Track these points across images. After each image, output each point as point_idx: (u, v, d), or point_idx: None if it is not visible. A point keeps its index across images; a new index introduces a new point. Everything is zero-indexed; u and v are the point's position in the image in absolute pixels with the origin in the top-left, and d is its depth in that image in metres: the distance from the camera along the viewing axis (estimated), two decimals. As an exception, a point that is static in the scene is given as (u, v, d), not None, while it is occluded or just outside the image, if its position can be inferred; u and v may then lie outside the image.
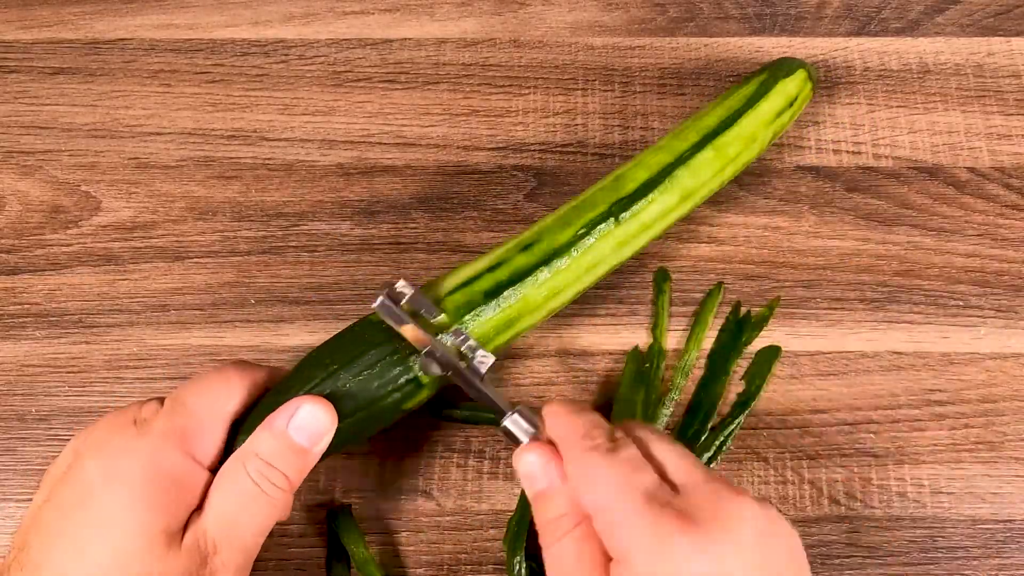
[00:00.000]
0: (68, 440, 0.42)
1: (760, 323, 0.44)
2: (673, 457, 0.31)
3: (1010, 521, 0.40)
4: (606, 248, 0.40)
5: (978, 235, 0.47)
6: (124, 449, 0.32)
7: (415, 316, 0.36)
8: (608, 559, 0.30)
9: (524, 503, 0.40)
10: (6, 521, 0.41)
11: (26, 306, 0.46)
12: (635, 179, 0.41)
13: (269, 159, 0.49)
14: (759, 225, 0.47)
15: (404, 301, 0.36)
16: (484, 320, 0.37)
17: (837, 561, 0.39)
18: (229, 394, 0.34)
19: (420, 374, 0.36)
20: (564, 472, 0.32)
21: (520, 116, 0.50)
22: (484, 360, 0.35)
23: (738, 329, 0.44)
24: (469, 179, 0.49)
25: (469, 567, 0.40)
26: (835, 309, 0.45)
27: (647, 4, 0.54)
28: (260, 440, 0.33)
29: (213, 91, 0.52)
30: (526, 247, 0.39)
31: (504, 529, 0.40)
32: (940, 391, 0.43)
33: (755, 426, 0.42)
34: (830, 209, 0.47)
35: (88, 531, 0.30)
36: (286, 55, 0.53)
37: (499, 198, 0.48)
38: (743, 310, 0.44)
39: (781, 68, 0.46)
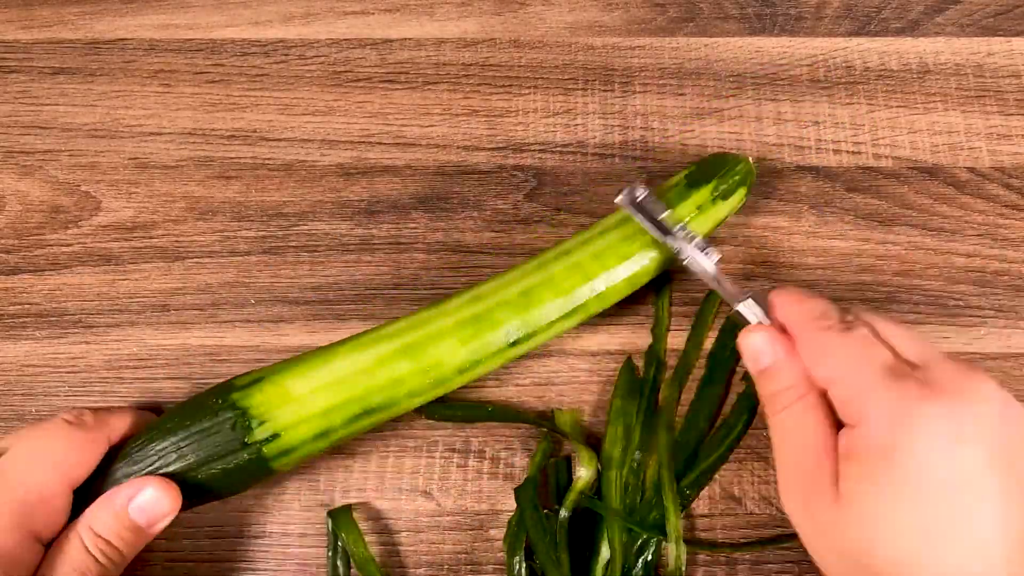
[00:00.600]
0: (68, 440, 0.43)
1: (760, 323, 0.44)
2: (907, 339, 0.32)
3: (1010, 521, 0.40)
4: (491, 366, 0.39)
5: (978, 235, 0.47)
6: None
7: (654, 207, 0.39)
8: (834, 427, 0.31)
9: (525, 503, 0.40)
10: (6, 521, 0.41)
11: (26, 306, 0.46)
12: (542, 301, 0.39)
13: (269, 159, 0.49)
14: (759, 225, 0.47)
15: (639, 199, 0.39)
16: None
17: (837, 561, 0.39)
18: (72, 460, 0.33)
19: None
20: (791, 350, 0.33)
21: (520, 116, 0.50)
22: (711, 253, 0.39)
23: (732, 328, 0.44)
24: (469, 179, 0.49)
25: (469, 567, 0.40)
26: (835, 309, 0.45)
27: (647, 4, 0.54)
28: (98, 516, 0.32)
29: (213, 91, 0.52)
30: (404, 350, 0.37)
31: (504, 529, 0.40)
32: (940, 391, 0.43)
33: (755, 426, 0.42)
34: (830, 209, 0.47)
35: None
36: (286, 55, 0.53)
37: (499, 198, 0.48)
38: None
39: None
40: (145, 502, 0.33)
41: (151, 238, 0.47)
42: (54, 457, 0.33)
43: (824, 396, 0.32)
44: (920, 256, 0.46)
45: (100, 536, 0.32)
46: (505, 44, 0.53)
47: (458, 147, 0.50)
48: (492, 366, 0.39)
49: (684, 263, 0.39)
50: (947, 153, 0.49)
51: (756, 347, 0.35)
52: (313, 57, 0.53)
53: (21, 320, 0.45)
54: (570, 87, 0.51)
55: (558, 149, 0.49)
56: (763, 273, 0.46)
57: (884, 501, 0.28)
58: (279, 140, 0.50)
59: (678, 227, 0.39)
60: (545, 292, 0.39)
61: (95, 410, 0.36)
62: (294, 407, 0.36)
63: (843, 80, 0.51)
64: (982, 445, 0.28)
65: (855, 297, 0.45)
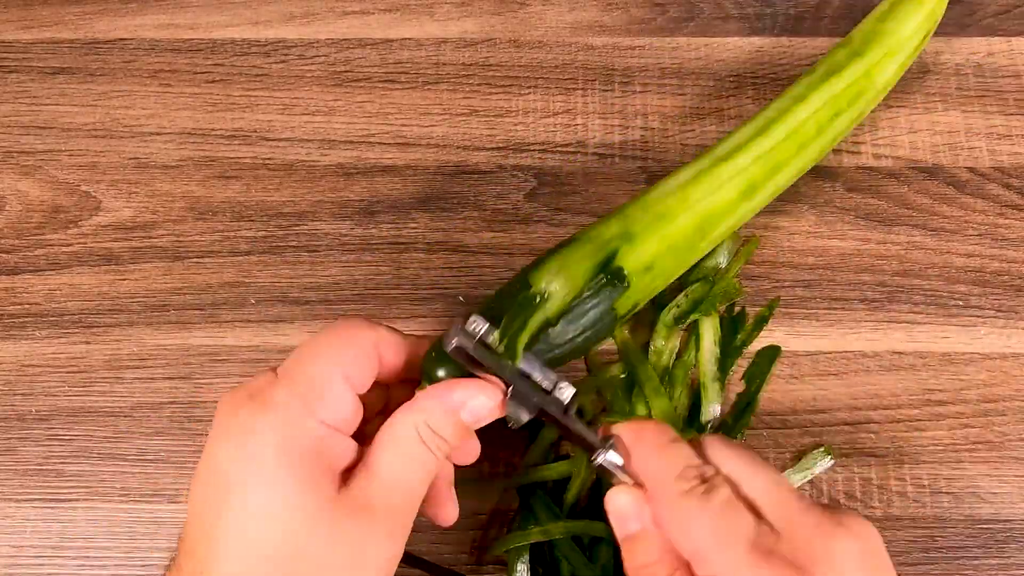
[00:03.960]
0: (68, 440, 0.43)
1: (760, 323, 0.44)
2: (766, 490, 0.30)
3: (1010, 521, 0.40)
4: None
5: (978, 235, 0.47)
6: (248, 430, 0.30)
7: (488, 354, 0.32)
8: None
9: (525, 503, 0.40)
10: (5, 521, 0.41)
11: (26, 306, 0.46)
12: None
13: (269, 159, 0.49)
14: (759, 225, 0.47)
15: (478, 339, 0.32)
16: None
17: (837, 561, 0.39)
18: (348, 355, 0.32)
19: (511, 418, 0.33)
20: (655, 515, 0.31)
21: (520, 116, 0.50)
22: (563, 390, 0.32)
23: (732, 328, 0.44)
24: (469, 179, 0.49)
25: (469, 567, 0.40)
26: (835, 309, 0.45)
27: (647, 4, 0.54)
28: (431, 408, 0.32)
29: (213, 91, 0.52)
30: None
31: (504, 529, 0.40)
32: (940, 391, 0.43)
33: (755, 426, 0.42)
34: (830, 209, 0.47)
35: (243, 524, 0.29)
36: (286, 55, 0.53)
37: (499, 198, 0.48)
38: (736, 309, 0.44)
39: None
40: (477, 407, 0.32)
41: (151, 238, 0.47)
42: (333, 350, 0.32)
43: (689, 570, 0.30)
44: (920, 256, 0.46)
45: (436, 432, 0.32)
46: (505, 44, 0.53)
47: (458, 147, 0.50)
48: None
49: (537, 416, 0.32)
50: (947, 153, 0.49)
51: (622, 511, 0.31)
52: (313, 57, 0.53)
53: (21, 320, 0.45)
54: (570, 87, 0.51)
55: (558, 149, 0.49)
56: (763, 273, 0.46)
57: None
58: (279, 140, 0.50)
59: (523, 367, 0.32)
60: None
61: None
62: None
63: (843, 80, 0.51)
64: None
65: (855, 297, 0.45)
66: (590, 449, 0.32)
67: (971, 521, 0.40)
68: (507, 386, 0.32)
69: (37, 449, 0.43)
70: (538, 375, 0.32)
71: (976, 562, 0.39)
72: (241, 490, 0.29)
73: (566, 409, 0.32)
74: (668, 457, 0.31)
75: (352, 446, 0.32)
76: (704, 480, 0.30)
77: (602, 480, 0.38)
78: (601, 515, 0.39)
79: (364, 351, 0.33)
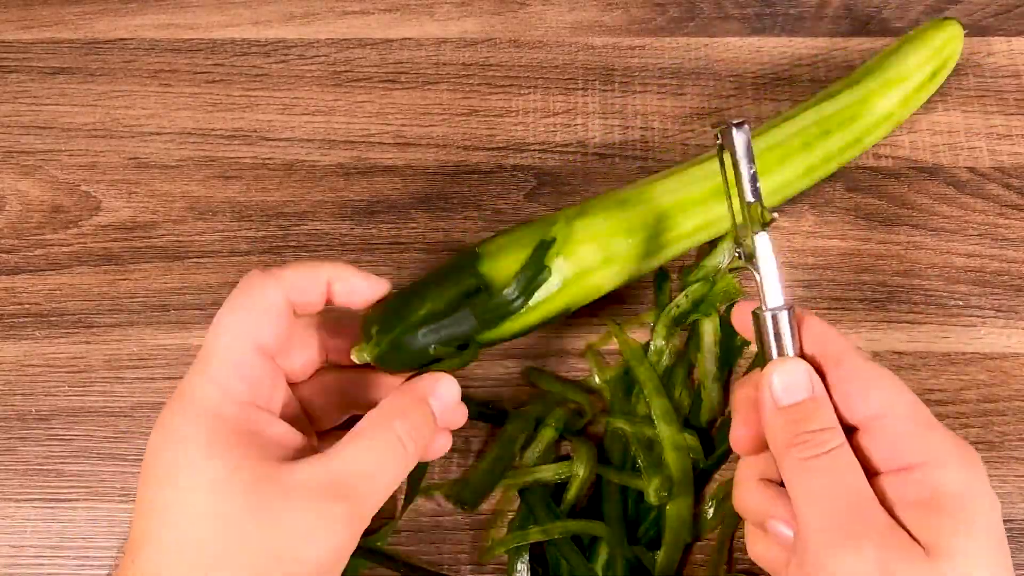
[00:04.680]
0: (68, 440, 0.43)
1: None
2: (893, 414, 0.30)
3: (1010, 521, 0.40)
4: None
5: (978, 235, 0.47)
6: (174, 417, 0.30)
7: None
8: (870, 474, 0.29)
9: (526, 503, 0.40)
10: (6, 521, 0.41)
11: (26, 306, 0.46)
12: None
13: (269, 159, 0.49)
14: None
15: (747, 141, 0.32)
16: None
17: (837, 561, 0.39)
18: (252, 321, 0.32)
19: None
20: (823, 387, 0.30)
21: (520, 116, 0.50)
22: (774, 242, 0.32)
23: (732, 328, 0.44)
24: (469, 179, 0.49)
25: (469, 567, 0.40)
26: (835, 309, 0.45)
27: (647, 4, 0.54)
28: (406, 406, 0.32)
29: (213, 91, 0.52)
30: None
31: (504, 529, 0.40)
32: (940, 391, 0.43)
33: (755, 426, 0.42)
34: (830, 209, 0.47)
35: (176, 514, 0.29)
36: (286, 55, 0.53)
37: (499, 198, 0.48)
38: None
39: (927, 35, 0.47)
40: (444, 393, 0.33)
41: (151, 238, 0.47)
42: (229, 325, 0.32)
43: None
44: (920, 256, 0.46)
45: (411, 424, 0.32)
46: (505, 44, 0.53)
47: (458, 147, 0.50)
48: None
49: (745, 241, 0.33)
50: (947, 153, 0.49)
51: (792, 380, 0.30)
52: (313, 57, 0.53)
53: (21, 320, 0.45)
54: (570, 87, 0.51)
55: (558, 149, 0.49)
56: (763, 273, 0.46)
57: (990, 557, 0.27)
58: (279, 140, 0.50)
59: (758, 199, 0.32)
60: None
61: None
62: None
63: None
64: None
65: (855, 297, 0.45)
66: (771, 299, 0.31)
67: (971, 521, 0.40)
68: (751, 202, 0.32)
69: (37, 449, 0.43)
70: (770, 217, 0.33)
71: (976, 562, 0.39)
72: (169, 474, 0.29)
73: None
74: (844, 337, 0.31)
75: (286, 428, 0.31)
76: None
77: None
78: (600, 515, 0.39)
79: (269, 310, 0.32)
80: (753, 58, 0.52)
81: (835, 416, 0.30)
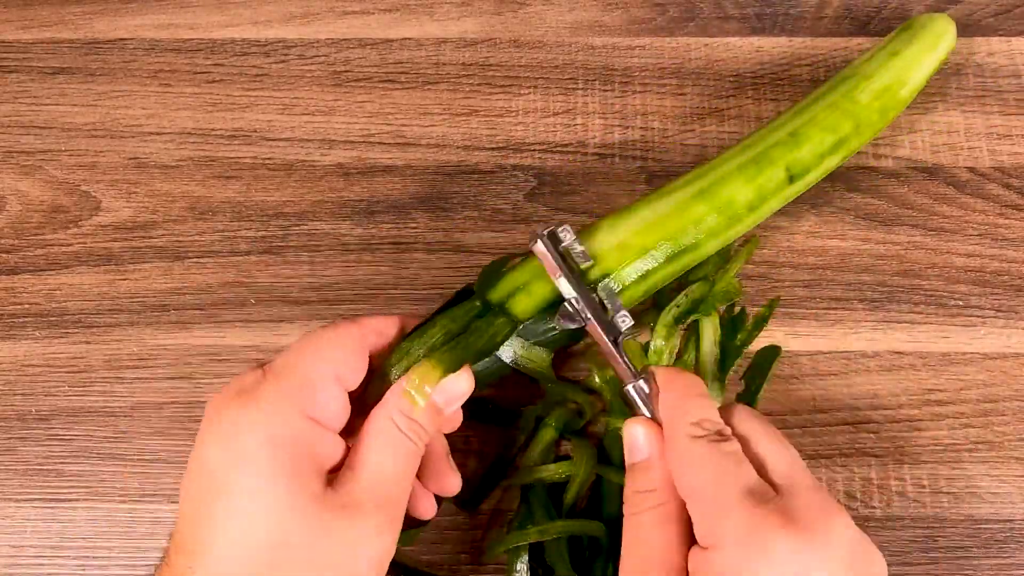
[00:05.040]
0: (68, 440, 0.43)
1: (760, 323, 0.44)
2: (777, 456, 0.31)
3: (1010, 521, 0.40)
4: (774, 204, 0.42)
5: (978, 235, 0.47)
6: (237, 424, 0.30)
7: (568, 262, 0.36)
8: (687, 544, 0.30)
9: (526, 503, 0.40)
10: (6, 521, 0.41)
11: (26, 306, 0.46)
12: (810, 139, 0.42)
13: (269, 159, 0.49)
14: (759, 225, 0.47)
15: (562, 246, 0.36)
16: (643, 271, 0.38)
17: (837, 561, 0.39)
18: (336, 354, 0.33)
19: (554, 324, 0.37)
20: (664, 452, 0.32)
21: (520, 116, 0.50)
22: (624, 320, 0.36)
23: (732, 328, 0.44)
24: (469, 179, 0.49)
25: (469, 567, 0.40)
26: (835, 309, 0.45)
27: (647, 4, 0.54)
28: (403, 399, 0.33)
29: (213, 91, 0.52)
30: (699, 193, 0.40)
31: (504, 529, 0.40)
32: (940, 391, 0.43)
33: (755, 426, 0.42)
34: (830, 209, 0.47)
35: (231, 522, 0.29)
36: (286, 55, 0.53)
37: (499, 198, 0.48)
38: (736, 309, 0.44)
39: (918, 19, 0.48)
40: (445, 385, 0.33)
41: (151, 238, 0.47)
42: (322, 349, 0.33)
43: (684, 510, 0.31)
44: (920, 256, 0.46)
45: (410, 418, 0.32)
46: (505, 44, 0.53)
47: (458, 147, 0.50)
48: (775, 205, 0.42)
49: (584, 328, 0.36)
50: (947, 153, 0.49)
51: (633, 439, 0.33)
52: (313, 57, 0.53)
53: (21, 320, 0.45)
54: (570, 87, 0.51)
55: (558, 149, 0.49)
56: (763, 273, 0.46)
57: None
58: (279, 140, 0.50)
59: (601, 283, 0.37)
60: (812, 130, 0.42)
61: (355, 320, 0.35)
62: (617, 250, 0.38)
63: (843, 80, 0.51)
64: None
65: (855, 297, 0.45)
66: (624, 378, 0.35)
67: (971, 521, 0.40)
68: (573, 293, 0.35)
69: (37, 449, 0.43)
70: (605, 296, 0.36)
71: (976, 562, 0.39)
72: (229, 488, 0.29)
73: (618, 336, 0.35)
74: (692, 404, 0.33)
75: (340, 444, 0.32)
76: (718, 433, 0.31)
77: (610, 438, 0.41)
78: (599, 516, 0.39)
79: (352, 349, 0.33)
80: (753, 58, 0.52)
81: (661, 481, 0.32)
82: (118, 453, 0.42)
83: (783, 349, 0.44)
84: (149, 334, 0.45)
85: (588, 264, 0.37)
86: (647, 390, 0.34)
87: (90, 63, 0.53)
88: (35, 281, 0.46)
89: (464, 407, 0.38)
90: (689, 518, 0.31)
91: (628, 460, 0.34)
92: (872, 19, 0.53)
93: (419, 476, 0.35)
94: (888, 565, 0.39)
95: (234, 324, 0.45)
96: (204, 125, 0.51)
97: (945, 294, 0.45)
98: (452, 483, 0.36)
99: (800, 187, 0.43)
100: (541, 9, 0.54)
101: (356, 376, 0.33)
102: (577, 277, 0.36)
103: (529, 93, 0.51)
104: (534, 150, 0.49)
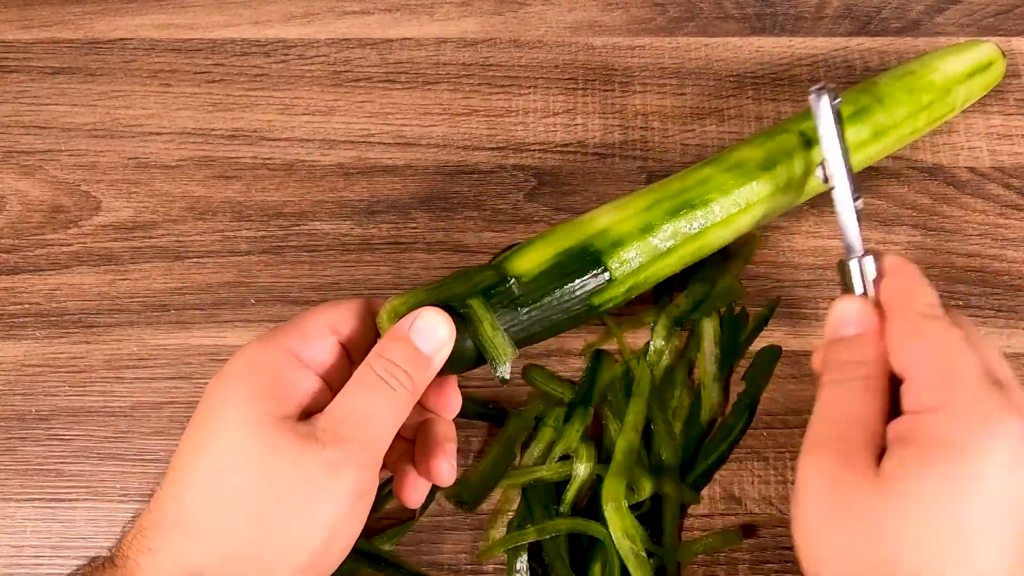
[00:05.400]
0: (68, 440, 0.43)
1: (760, 323, 0.44)
2: (998, 359, 0.31)
3: (1010, 521, 0.40)
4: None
5: (978, 235, 0.46)
6: (232, 359, 0.33)
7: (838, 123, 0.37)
8: (885, 419, 0.30)
9: (526, 503, 0.40)
10: (6, 521, 0.41)
11: (26, 306, 0.46)
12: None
13: (269, 159, 0.49)
14: (759, 226, 0.47)
15: (834, 104, 0.37)
16: None
17: (837, 561, 0.39)
18: (340, 315, 0.35)
19: (816, 178, 0.38)
20: (879, 330, 0.32)
21: (520, 116, 0.50)
22: (859, 199, 0.37)
23: (732, 328, 0.44)
24: (469, 179, 0.49)
25: (469, 567, 0.40)
26: (835, 309, 0.45)
27: (647, 4, 0.54)
28: (384, 344, 0.34)
29: (213, 91, 0.52)
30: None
31: (504, 529, 0.40)
32: (940, 391, 0.43)
33: (755, 426, 0.42)
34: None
35: (204, 432, 0.31)
36: (286, 55, 0.53)
37: (499, 198, 0.48)
38: (736, 309, 0.44)
39: (974, 42, 0.48)
40: (422, 325, 0.34)
41: (151, 238, 0.47)
42: (327, 310, 0.35)
43: (887, 390, 0.31)
44: (920, 256, 0.46)
45: (388, 359, 0.33)
46: (505, 44, 0.53)
47: (458, 147, 0.50)
48: (792, 173, 0.41)
49: (831, 190, 0.37)
50: (947, 153, 0.49)
51: (847, 316, 0.33)
52: (313, 57, 0.53)
53: (21, 320, 0.45)
54: (570, 87, 0.51)
55: (558, 149, 0.49)
56: (763, 273, 0.46)
57: (934, 491, 0.27)
58: (279, 140, 0.50)
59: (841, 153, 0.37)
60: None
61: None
62: (615, 216, 0.39)
63: (843, 80, 0.51)
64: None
65: (855, 297, 0.45)
66: (852, 249, 0.35)
67: (971, 521, 0.40)
68: (839, 150, 0.37)
69: (37, 449, 0.43)
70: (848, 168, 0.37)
71: (976, 562, 0.39)
72: (212, 411, 0.32)
73: (857, 202, 0.36)
74: (925, 290, 0.33)
75: (318, 384, 0.33)
76: (953, 319, 0.32)
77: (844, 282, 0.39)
78: (599, 516, 0.39)
79: (349, 307, 0.35)
80: (753, 58, 0.52)
81: (872, 355, 0.32)
82: (118, 453, 0.42)
83: (783, 349, 0.44)
84: (149, 334, 0.45)
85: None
86: (865, 271, 0.34)
87: (90, 63, 0.53)
88: (35, 281, 0.46)
89: (464, 407, 0.38)
90: (889, 399, 0.31)
91: (835, 333, 0.34)
92: (872, 19, 0.53)
93: (415, 461, 0.36)
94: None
95: (234, 324, 0.45)
96: (204, 125, 0.51)
97: (945, 294, 0.45)
98: (444, 471, 0.36)
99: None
100: (541, 9, 0.54)
101: (349, 326, 0.35)
102: (843, 138, 0.37)
103: (529, 93, 0.51)
104: (534, 150, 0.49)
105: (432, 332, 0.34)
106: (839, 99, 0.37)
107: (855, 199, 0.36)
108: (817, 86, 0.37)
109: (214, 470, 0.31)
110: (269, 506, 0.30)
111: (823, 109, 0.37)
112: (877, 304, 0.33)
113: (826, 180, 0.37)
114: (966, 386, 0.29)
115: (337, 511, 0.31)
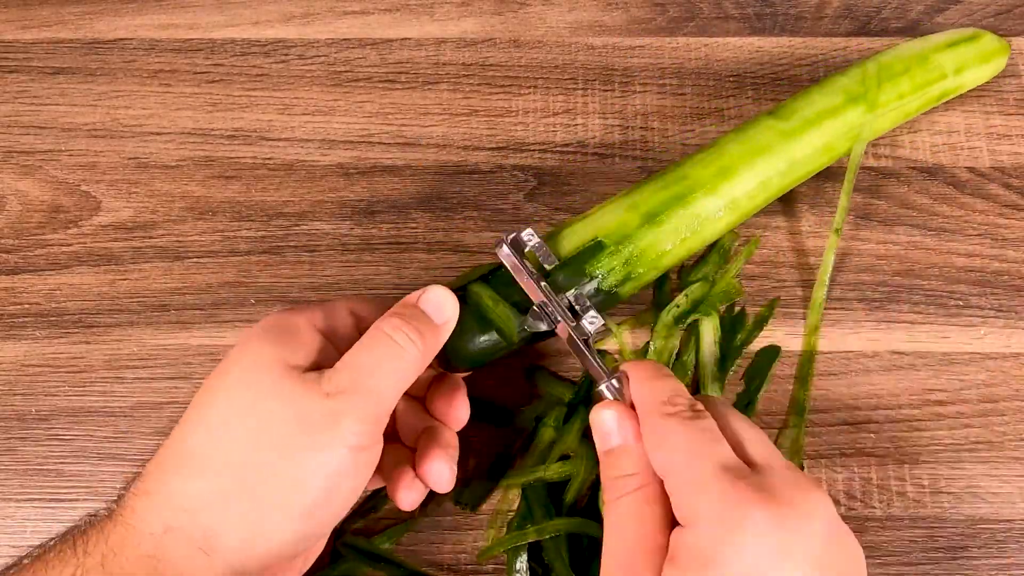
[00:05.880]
0: (68, 440, 0.43)
1: (760, 323, 0.44)
2: (752, 437, 0.31)
3: (1010, 521, 0.40)
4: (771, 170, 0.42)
5: (978, 235, 0.47)
6: (257, 323, 0.34)
7: (534, 265, 0.37)
8: (669, 524, 0.30)
9: (526, 503, 0.40)
10: (6, 521, 0.41)
11: (26, 306, 0.46)
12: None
13: (269, 159, 0.49)
14: (759, 225, 0.47)
15: (527, 249, 0.37)
16: (608, 270, 0.39)
17: (837, 561, 0.39)
18: (364, 306, 0.36)
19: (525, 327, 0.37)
20: (639, 434, 0.32)
21: (520, 116, 0.50)
22: (594, 321, 0.36)
23: (732, 328, 0.44)
24: (469, 179, 0.49)
25: (469, 567, 0.40)
26: (835, 309, 0.45)
27: (647, 4, 0.54)
28: (393, 310, 0.34)
29: (213, 91, 0.52)
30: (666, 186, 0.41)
31: (504, 529, 0.40)
32: (940, 391, 0.43)
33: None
34: (830, 209, 0.47)
35: (218, 376, 0.32)
36: (286, 55, 0.53)
37: (499, 198, 0.48)
38: (736, 309, 0.44)
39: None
40: (432, 295, 0.35)
41: (151, 238, 0.47)
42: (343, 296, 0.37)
43: (664, 492, 0.31)
44: (920, 256, 0.46)
45: (397, 319, 0.34)
46: (505, 44, 0.53)
47: (458, 147, 0.50)
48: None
49: (546, 328, 0.37)
50: (947, 153, 0.49)
51: (605, 426, 0.33)
52: (313, 57, 0.53)
53: (21, 320, 0.45)
54: (570, 87, 0.51)
55: (558, 149, 0.49)
56: (763, 273, 0.46)
57: None
58: (279, 140, 0.50)
59: (570, 287, 0.37)
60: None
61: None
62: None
63: (843, 80, 0.51)
64: (806, 563, 0.27)
65: (855, 297, 0.45)
66: (598, 378, 0.34)
67: (971, 521, 0.40)
68: (541, 297, 0.36)
69: (37, 449, 0.43)
70: (573, 299, 0.37)
71: (976, 562, 0.39)
72: (229, 360, 0.33)
73: (588, 338, 0.35)
74: (661, 384, 0.33)
75: (332, 351, 0.34)
76: (692, 409, 0.32)
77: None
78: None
79: (372, 302, 0.37)
80: (753, 58, 0.52)
81: (639, 464, 0.32)
82: (118, 453, 0.42)
83: (783, 349, 0.44)
84: (149, 334, 0.45)
85: (554, 264, 0.37)
86: (619, 387, 0.34)
87: (90, 63, 0.53)
88: (35, 281, 0.46)
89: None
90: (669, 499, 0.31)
91: (602, 447, 0.33)
92: (872, 19, 0.53)
93: (415, 465, 0.36)
94: (888, 565, 0.39)
95: (234, 324, 0.45)
96: (204, 125, 0.51)
97: (945, 294, 0.45)
98: (444, 475, 0.36)
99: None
100: (541, 9, 0.54)
101: (370, 316, 0.35)
102: (542, 280, 0.37)
103: (529, 93, 0.51)
104: (534, 150, 0.49)
105: (438, 303, 0.35)
106: (530, 237, 0.37)
107: (583, 336, 0.35)
108: (505, 235, 0.37)
109: (221, 410, 0.31)
110: (267, 447, 0.30)
111: (506, 258, 0.37)
112: (632, 408, 0.33)
113: (544, 322, 0.36)
114: (707, 489, 0.29)
115: (336, 462, 0.31)
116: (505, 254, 0.37)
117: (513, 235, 0.37)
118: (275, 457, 0.30)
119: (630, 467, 0.32)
